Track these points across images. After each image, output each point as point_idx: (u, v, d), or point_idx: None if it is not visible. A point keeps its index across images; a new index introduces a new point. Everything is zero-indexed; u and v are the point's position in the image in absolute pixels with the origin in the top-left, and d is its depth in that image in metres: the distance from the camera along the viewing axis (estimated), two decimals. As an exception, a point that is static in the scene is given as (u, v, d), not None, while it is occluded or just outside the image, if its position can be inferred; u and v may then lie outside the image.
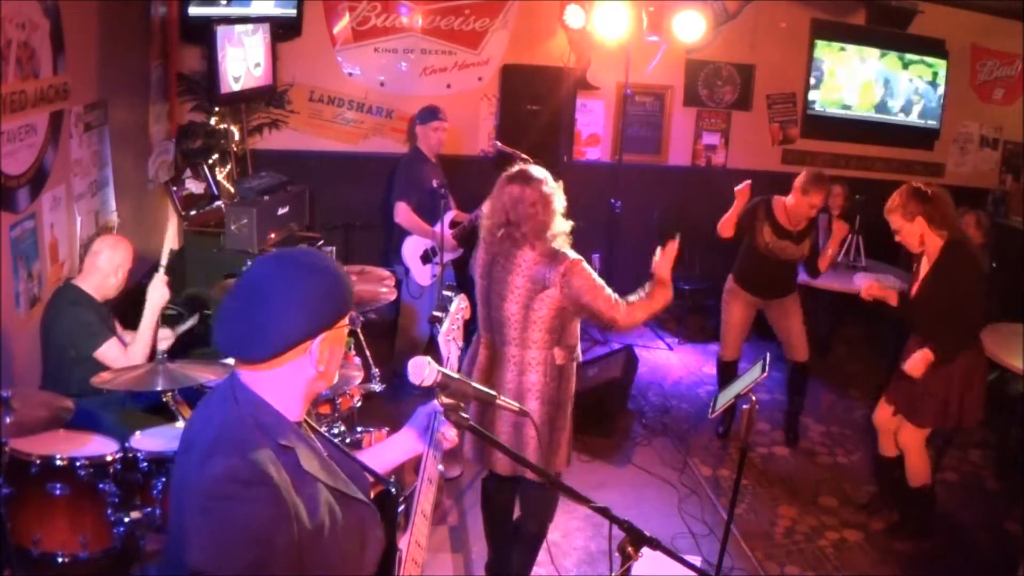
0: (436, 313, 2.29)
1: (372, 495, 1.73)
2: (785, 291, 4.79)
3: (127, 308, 3.89)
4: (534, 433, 3.10)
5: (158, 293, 3.55)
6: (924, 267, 3.80)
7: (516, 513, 3.54)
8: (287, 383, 1.52)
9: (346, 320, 1.56)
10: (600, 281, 3.04)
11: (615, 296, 3.06)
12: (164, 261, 3.62)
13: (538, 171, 3.11)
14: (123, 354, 3.40)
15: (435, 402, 1.82)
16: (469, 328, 2.42)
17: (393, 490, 1.74)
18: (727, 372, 4.92)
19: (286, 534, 1.39)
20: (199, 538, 1.40)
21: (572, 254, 3.04)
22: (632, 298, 3.12)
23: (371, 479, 1.77)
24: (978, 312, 3.70)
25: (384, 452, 1.92)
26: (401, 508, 1.83)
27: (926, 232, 3.69)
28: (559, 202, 3.08)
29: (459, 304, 2.28)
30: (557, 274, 2.98)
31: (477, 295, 3.19)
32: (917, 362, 3.70)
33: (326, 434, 1.72)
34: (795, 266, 4.77)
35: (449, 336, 2.18)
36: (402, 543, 1.66)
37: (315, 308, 1.49)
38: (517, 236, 3.03)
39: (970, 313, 3.67)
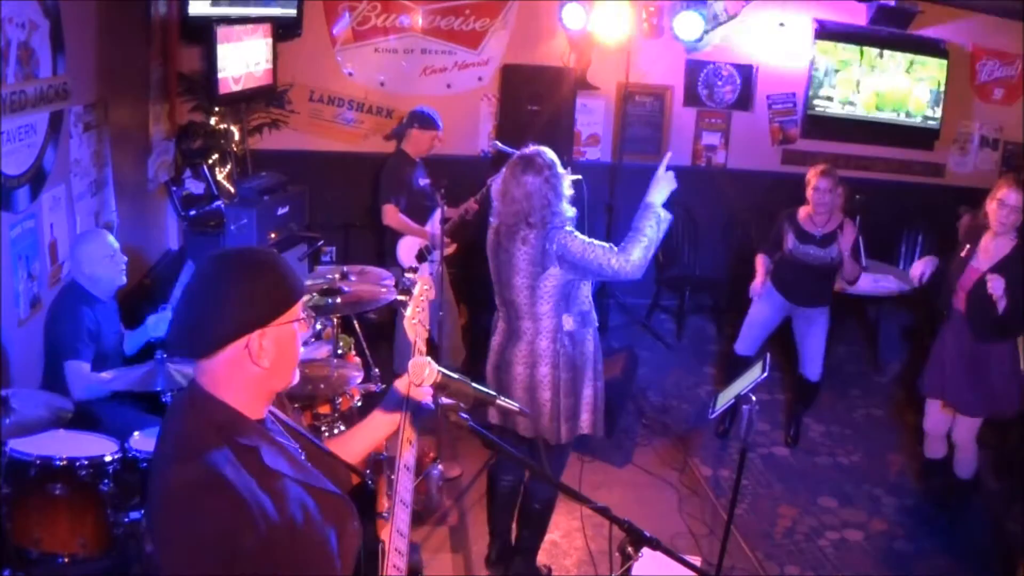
0: (400, 297, 2.25)
1: (351, 488, 1.73)
2: (813, 300, 4.75)
3: (128, 310, 3.90)
4: (548, 397, 3.24)
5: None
6: (985, 254, 3.85)
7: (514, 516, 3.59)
8: (236, 381, 1.53)
9: (290, 317, 1.55)
10: (590, 239, 3.13)
11: (609, 244, 3.13)
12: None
13: (547, 156, 3.21)
14: (87, 379, 3.37)
15: (404, 378, 1.82)
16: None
17: (371, 482, 1.74)
18: (735, 365, 4.89)
19: (251, 534, 1.41)
20: (168, 547, 1.44)
21: (567, 227, 3.15)
22: (624, 243, 3.14)
23: (351, 473, 1.78)
24: None
25: (363, 434, 1.93)
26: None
27: (1020, 226, 3.76)
28: (566, 187, 3.20)
29: (421, 286, 2.24)
30: (552, 250, 3.10)
31: (491, 273, 3.33)
32: (994, 281, 3.69)
33: (301, 430, 1.72)
34: (826, 275, 4.72)
35: (414, 319, 2.14)
36: (384, 534, 1.66)
37: (246, 305, 1.50)
38: (526, 222, 3.14)
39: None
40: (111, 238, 3.62)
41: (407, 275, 2.29)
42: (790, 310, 4.85)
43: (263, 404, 1.59)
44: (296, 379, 1.63)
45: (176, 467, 1.45)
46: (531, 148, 3.24)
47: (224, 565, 1.38)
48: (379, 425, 1.92)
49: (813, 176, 4.62)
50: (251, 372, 1.53)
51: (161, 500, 1.45)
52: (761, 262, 4.92)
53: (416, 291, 2.18)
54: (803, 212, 4.73)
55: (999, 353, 3.90)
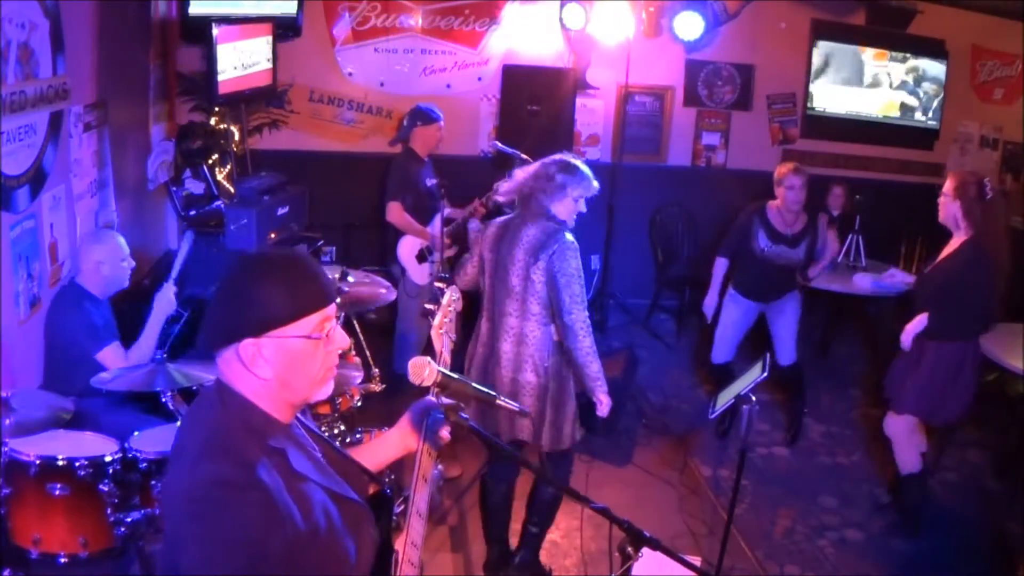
0: (428, 306, 2.24)
1: (369, 495, 1.72)
2: (781, 293, 4.78)
3: (128, 308, 3.90)
4: (530, 404, 3.28)
5: (165, 302, 3.58)
6: (945, 251, 3.88)
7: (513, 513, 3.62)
8: (246, 384, 1.49)
9: (298, 331, 1.47)
10: (580, 279, 3.20)
11: (585, 303, 3.19)
12: (175, 273, 3.64)
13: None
14: (123, 358, 3.41)
15: (429, 398, 1.82)
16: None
17: (389, 491, 1.73)
18: (719, 374, 4.91)
19: (278, 537, 1.38)
20: (191, 544, 1.38)
21: (570, 238, 3.22)
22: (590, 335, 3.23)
23: (368, 480, 1.76)
24: (982, 304, 3.73)
25: (379, 448, 1.91)
26: (399, 508, 1.82)
27: (959, 218, 3.75)
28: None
29: (451, 296, 2.25)
30: (550, 249, 3.17)
31: (485, 269, 3.37)
32: (909, 329, 3.86)
33: (323, 435, 1.71)
34: (793, 271, 4.76)
35: (442, 329, 2.15)
36: (398, 544, 1.66)
37: (241, 310, 1.45)
38: (545, 214, 3.24)
39: (970, 303, 3.72)
40: (122, 240, 3.63)
41: (437, 284, 2.29)
42: (760, 308, 4.86)
43: (284, 410, 1.53)
44: (324, 394, 1.56)
45: (206, 463, 1.40)
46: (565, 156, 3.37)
47: (248, 566, 1.35)
48: (393, 443, 1.89)
49: (786, 174, 4.58)
50: (250, 378, 1.48)
51: (187, 495, 1.40)
52: (717, 270, 4.83)
53: (445, 300, 2.19)
54: (773, 210, 4.69)
55: (934, 354, 3.84)
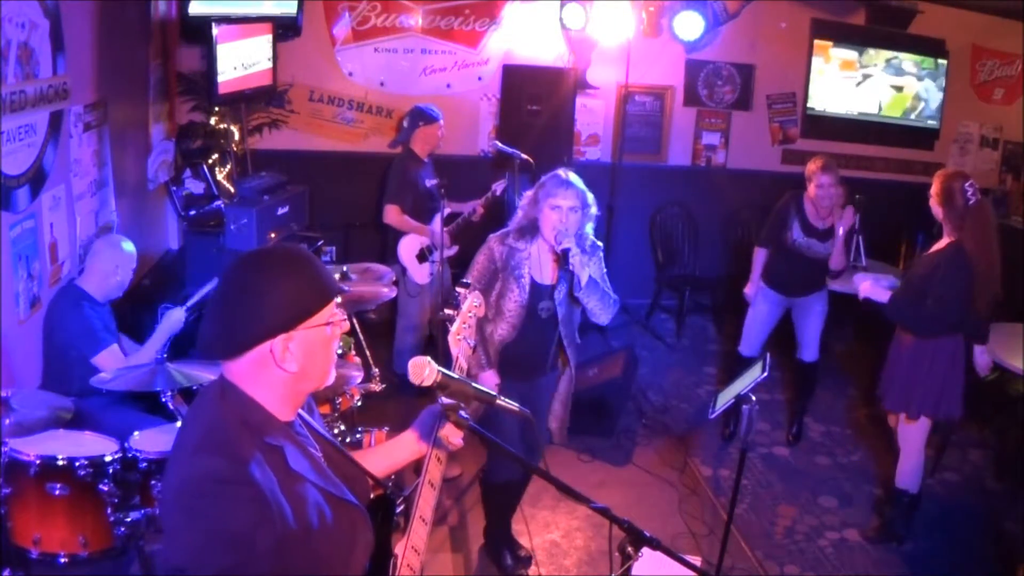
0: (447, 311, 2.22)
1: (371, 498, 1.72)
2: (810, 289, 4.76)
3: (129, 310, 3.90)
4: None
5: (174, 321, 3.59)
6: (933, 247, 3.85)
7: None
8: (263, 382, 1.51)
9: (319, 320, 1.53)
10: (474, 271, 3.32)
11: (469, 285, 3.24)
12: (192, 302, 3.66)
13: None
14: (122, 362, 3.41)
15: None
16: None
17: (391, 494, 1.72)
18: (741, 366, 4.87)
19: (267, 534, 1.39)
20: (180, 536, 1.41)
21: (490, 239, 3.35)
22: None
23: (371, 482, 1.76)
24: (946, 308, 3.66)
25: (389, 452, 1.91)
26: (400, 509, 1.82)
27: (941, 220, 3.75)
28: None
29: (472, 302, 2.23)
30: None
31: None
32: (866, 286, 3.89)
33: (328, 436, 1.71)
34: (823, 265, 4.72)
35: (460, 335, 2.14)
36: (398, 548, 1.65)
37: (269, 310, 1.48)
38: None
39: (931, 301, 3.67)
40: (131, 246, 3.64)
41: (459, 289, 2.27)
42: (788, 303, 4.85)
43: (292, 405, 1.57)
44: (332, 380, 1.61)
45: (201, 457, 1.42)
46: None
47: (235, 562, 1.36)
48: (407, 446, 1.89)
49: (815, 172, 4.56)
50: (276, 374, 1.51)
51: (181, 488, 1.42)
52: (758, 260, 4.88)
53: (465, 307, 2.18)
54: (807, 201, 4.67)
55: (931, 352, 3.79)
